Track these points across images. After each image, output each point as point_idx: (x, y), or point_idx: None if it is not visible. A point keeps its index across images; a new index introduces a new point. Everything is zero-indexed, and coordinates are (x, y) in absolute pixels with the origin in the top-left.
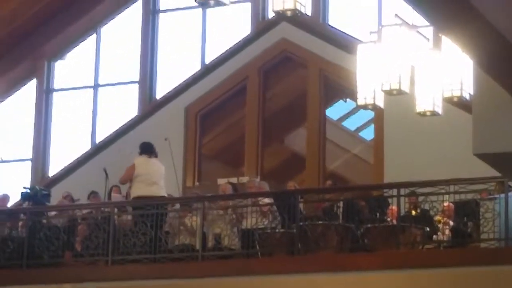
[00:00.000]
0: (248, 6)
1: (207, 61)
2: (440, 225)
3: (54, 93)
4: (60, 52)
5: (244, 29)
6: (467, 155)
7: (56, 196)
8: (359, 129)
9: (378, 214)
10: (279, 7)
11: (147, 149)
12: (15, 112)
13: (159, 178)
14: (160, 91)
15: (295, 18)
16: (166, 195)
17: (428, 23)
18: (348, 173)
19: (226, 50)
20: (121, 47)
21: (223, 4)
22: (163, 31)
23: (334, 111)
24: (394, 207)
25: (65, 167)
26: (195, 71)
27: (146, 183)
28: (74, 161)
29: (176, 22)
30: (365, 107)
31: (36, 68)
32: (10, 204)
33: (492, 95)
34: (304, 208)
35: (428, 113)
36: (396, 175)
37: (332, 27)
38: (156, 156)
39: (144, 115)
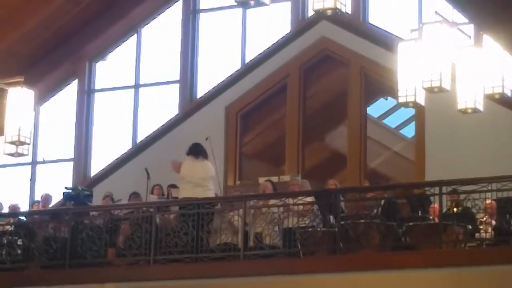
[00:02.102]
0: (288, 5)
1: (247, 60)
2: (482, 223)
3: (96, 94)
4: (101, 53)
5: (284, 28)
6: (509, 152)
7: (98, 196)
8: (400, 126)
9: (420, 212)
10: (319, 6)
11: (193, 151)
12: (57, 113)
13: (205, 180)
14: (201, 91)
15: (335, 17)
16: (214, 196)
17: (468, 21)
18: (390, 170)
19: (266, 49)
20: (161, 47)
21: (263, 4)
22: (203, 30)
23: (374, 109)
24: (436, 205)
25: (106, 167)
26: (236, 70)
27: (190, 185)
28: (115, 161)
29: (216, 21)
30: (406, 104)
31: (78, 69)
32: (52, 204)
33: None
34: (346, 207)
35: (469, 110)
36: (437, 172)
37: (372, 25)
38: (205, 157)
39: (185, 114)
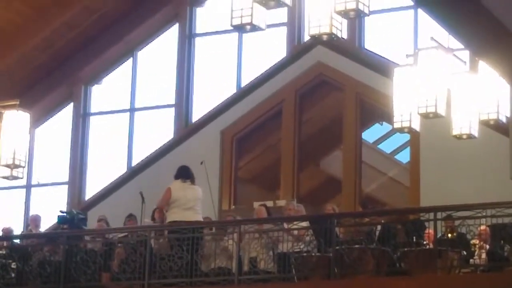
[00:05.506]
0: (283, 30)
1: (243, 84)
2: (476, 249)
3: (91, 117)
4: (96, 77)
5: (279, 52)
6: (503, 178)
7: (93, 219)
8: (395, 152)
9: (414, 238)
10: (315, 31)
11: (183, 173)
12: (52, 136)
13: (195, 202)
14: (196, 115)
15: (330, 42)
16: (202, 219)
17: (464, 46)
18: (384, 196)
19: (262, 74)
20: (157, 71)
21: (260, 29)
22: (199, 55)
23: (370, 134)
24: (431, 231)
25: (101, 190)
26: (231, 95)
27: (181, 208)
28: (110, 184)
29: (212, 46)
30: (401, 130)
31: (73, 92)
32: (47, 227)
33: None
34: (341, 232)
35: (464, 136)
36: (432, 198)
37: (368, 50)
38: (192, 180)
39: (180, 138)
